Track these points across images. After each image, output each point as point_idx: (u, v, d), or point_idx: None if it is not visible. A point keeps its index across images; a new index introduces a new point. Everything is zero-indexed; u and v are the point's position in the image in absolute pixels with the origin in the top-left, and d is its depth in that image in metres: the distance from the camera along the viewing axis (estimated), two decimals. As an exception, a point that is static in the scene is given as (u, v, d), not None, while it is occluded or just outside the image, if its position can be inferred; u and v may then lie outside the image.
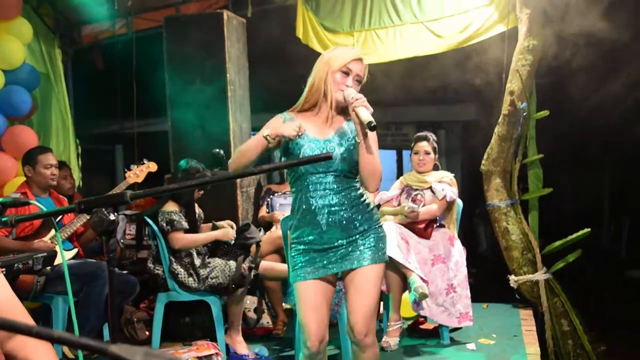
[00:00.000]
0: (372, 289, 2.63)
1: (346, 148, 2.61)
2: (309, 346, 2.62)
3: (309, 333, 2.61)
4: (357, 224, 2.63)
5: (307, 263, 2.64)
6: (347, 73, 2.60)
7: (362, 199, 2.68)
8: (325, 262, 2.64)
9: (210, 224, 4.28)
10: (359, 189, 2.68)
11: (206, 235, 4.10)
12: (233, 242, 4.13)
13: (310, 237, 2.64)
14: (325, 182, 2.59)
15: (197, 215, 4.17)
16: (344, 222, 2.61)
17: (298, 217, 2.66)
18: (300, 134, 2.49)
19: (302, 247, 2.66)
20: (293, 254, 2.71)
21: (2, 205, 1.43)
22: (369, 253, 2.63)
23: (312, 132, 2.63)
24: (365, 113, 2.48)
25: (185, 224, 3.99)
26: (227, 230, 4.09)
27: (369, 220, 2.67)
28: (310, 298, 2.63)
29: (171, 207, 4.01)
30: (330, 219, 2.60)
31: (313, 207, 2.60)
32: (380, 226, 2.73)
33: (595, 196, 7.13)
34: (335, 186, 2.60)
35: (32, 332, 0.82)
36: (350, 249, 2.63)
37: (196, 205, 4.24)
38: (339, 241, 2.63)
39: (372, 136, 2.60)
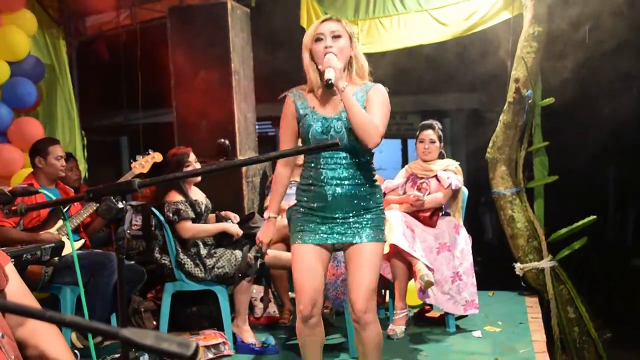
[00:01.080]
0: (372, 267, 2.67)
1: None
2: (301, 309, 2.68)
3: (302, 295, 2.67)
4: (362, 201, 2.68)
5: (308, 228, 2.71)
6: (320, 39, 2.64)
7: (371, 178, 2.73)
8: (326, 231, 2.69)
9: (214, 215, 4.30)
10: (370, 166, 2.73)
11: (215, 226, 4.12)
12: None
13: (314, 205, 2.70)
14: (337, 157, 2.66)
15: (204, 205, 4.18)
16: (350, 196, 2.66)
17: (307, 185, 2.72)
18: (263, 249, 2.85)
19: (305, 211, 2.73)
20: (296, 216, 2.76)
21: (11, 195, 1.45)
22: (370, 231, 2.68)
23: (320, 109, 2.70)
24: (328, 72, 2.52)
25: (191, 213, 4.01)
26: (236, 226, 4.11)
27: (374, 200, 2.71)
28: (306, 260, 2.69)
29: (176, 197, 4.03)
30: (336, 192, 2.65)
31: (322, 178, 2.66)
32: (382, 208, 2.77)
33: (601, 185, 7.11)
34: (345, 161, 2.66)
35: (45, 317, 0.84)
36: (351, 223, 2.68)
37: (204, 195, 4.26)
38: (342, 214, 2.67)
39: (376, 96, 2.63)
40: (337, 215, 2.68)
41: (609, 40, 4.56)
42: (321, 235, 2.70)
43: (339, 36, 2.64)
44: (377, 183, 2.77)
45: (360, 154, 2.68)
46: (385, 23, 5.48)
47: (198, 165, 4.21)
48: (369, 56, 5.18)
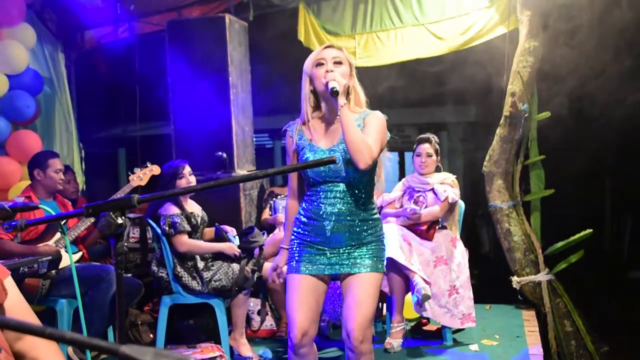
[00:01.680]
0: (369, 298, 2.64)
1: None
2: (292, 337, 2.66)
3: (293, 325, 2.65)
4: (361, 235, 2.66)
5: (304, 258, 2.68)
6: (321, 64, 2.64)
7: (371, 211, 2.71)
8: (323, 261, 2.67)
9: (213, 228, 4.30)
10: (370, 199, 2.71)
11: (211, 245, 4.11)
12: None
13: (312, 240, 2.68)
14: (336, 191, 2.63)
15: (200, 218, 4.19)
16: (349, 231, 2.65)
17: (305, 217, 2.69)
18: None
19: (302, 243, 2.70)
20: (292, 246, 2.74)
21: (12, 210, 1.46)
22: (369, 262, 2.66)
23: (318, 140, 2.68)
24: (332, 82, 2.54)
25: (187, 227, 4.02)
26: (232, 246, 4.11)
27: (374, 233, 2.70)
28: (300, 292, 2.66)
29: (171, 209, 4.03)
30: (335, 226, 2.64)
31: (321, 213, 2.65)
32: (383, 239, 2.75)
33: (597, 196, 7.13)
34: (344, 195, 2.64)
35: (45, 334, 0.84)
36: (350, 254, 2.66)
37: (200, 208, 4.26)
38: (340, 248, 2.66)
39: (372, 121, 2.63)
40: (334, 249, 2.67)
41: (604, 53, 4.60)
42: (318, 265, 2.67)
43: (340, 62, 2.64)
44: (376, 216, 2.75)
45: (359, 187, 2.65)
46: (383, 37, 5.52)
47: (193, 178, 4.21)
48: (366, 70, 5.25)
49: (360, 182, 2.65)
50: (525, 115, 4.89)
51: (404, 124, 8.80)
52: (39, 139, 5.27)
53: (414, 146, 4.50)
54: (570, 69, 4.67)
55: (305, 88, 2.69)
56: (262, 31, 5.73)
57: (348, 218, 2.64)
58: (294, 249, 2.73)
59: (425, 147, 4.40)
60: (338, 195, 2.63)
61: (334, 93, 2.52)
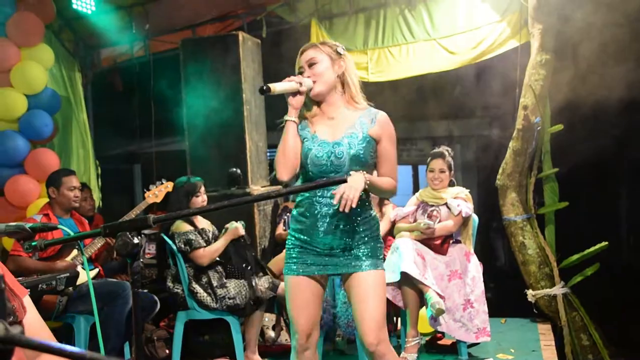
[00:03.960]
0: (375, 297, 2.61)
1: (356, 151, 2.61)
2: (297, 339, 2.66)
3: (297, 328, 2.65)
4: (357, 234, 2.64)
5: (301, 259, 2.66)
6: (301, 72, 2.68)
7: (368, 209, 2.69)
8: (321, 262, 2.65)
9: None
10: (367, 198, 2.69)
11: (223, 239, 4.14)
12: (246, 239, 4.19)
13: (306, 238, 2.66)
14: (332, 189, 2.56)
15: (211, 233, 4.23)
16: (344, 230, 2.62)
17: (300, 215, 2.68)
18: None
19: (297, 243, 2.69)
20: (289, 246, 2.73)
21: (32, 230, 1.50)
22: (367, 260, 2.64)
23: (322, 133, 2.67)
24: (277, 84, 2.56)
25: (202, 242, 4.06)
26: (233, 227, 4.13)
27: (370, 231, 2.67)
28: (300, 293, 2.65)
29: (183, 227, 4.08)
30: (329, 227, 2.62)
31: (316, 212, 2.63)
32: (379, 237, 2.72)
33: (612, 209, 7.08)
34: None
35: (65, 353, 0.87)
36: (347, 254, 2.64)
37: (209, 222, 4.30)
38: (334, 249, 2.63)
39: (387, 135, 2.65)
40: (328, 250, 2.64)
41: (616, 64, 4.59)
42: (317, 266, 2.65)
43: (314, 63, 2.65)
44: (373, 214, 2.72)
45: None
46: (395, 52, 5.56)
47: (205, 196, 4.26)
48: (380, 84, 5.28)
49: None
50: (538, 128, 4.89)
51: (417, 137, 8.82)
52: (56, 157, 5.35)
53: (427, 160, 4.50)
54: (583, 82, 4.67)
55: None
56: (275, 48, 5.80)
57: (344, 216, 2.59)
58: (291, 247, 2.72)
59: (438, 163, 4.39)
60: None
61: (263, 90, 2.52)
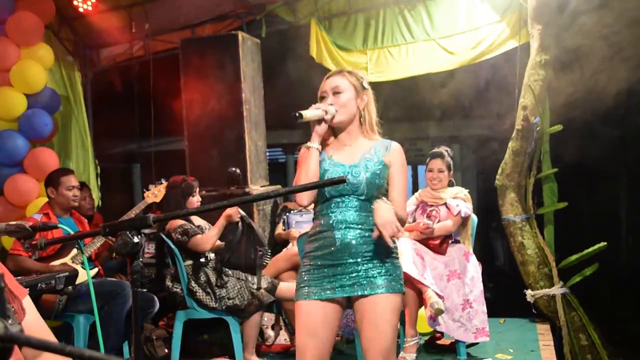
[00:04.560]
0: (387, 326, 2.46)
1: (372, 172, 2.57)
2: None
3: (303, 358, 2.50)
4: (373, 248, 2.51)
5: (314, 282, 2.53)
6: (323, 97, 2.63)
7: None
8: (334, 283, 2.51)
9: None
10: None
11: (219, 222, 4.09)
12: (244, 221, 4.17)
13: (322, 252, 2.54)
14: (351, 206, 2.54)
15: (207, 230, 4.23)
16: (360, 242, 2.51)
17: (315, 233, 2.60)
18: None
19: (311, 262, 2.56)
20: (302, 270, 2.62)
21: (32, 230, 1.50)
22: (383, 281, 2.49)
23: (338, 157, 2.63)
24: (309, 112, 2.52)
25: (198, 230, 4.07)
26: (229, 211, 4.08)
27: (386, 249, 2.52)
28: (310, 322, 2.50)
29: (178, 221, 4.09)
30: (346, 237, 2.50)
31: (331, 222, 2.53)
32: (397, 257, 2.61)
33: (611, 209, 7.09)
34: (358, 207, 2.54)
35: (65, 352, 0.88)
36: (362, 272, 2.50)
37: (205, 222, 4.30)
38: (352, 260, 2.50)
39: (398, 165, 2.62)
40: (345, 262, 2.50)
41: (616, 64, 4.60)
42: (329, 290, 2.50)
43: (339, 92, 2.60)
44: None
45: (372, 202, 2.53)
46: (394, 52, 5.56)
47: (199, 197, 4.28)
48: (378, 84, 5.29)
49: (377, 197, 2.56)
50: (538, 129, 4.89)
51: (416, 137, 8.83)
52: (56, 156, 5.35)
53: (427, 160, 4.51)
54: (583, 83, 4.68)
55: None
56: (274, 47, 5.80)
57: (359, 227, 2.52)
58: (303, 271, 2.59)
59: (437, 163, 4.40)
60: (350, 204, 2.54)
61: (296, 117, 2.48)
